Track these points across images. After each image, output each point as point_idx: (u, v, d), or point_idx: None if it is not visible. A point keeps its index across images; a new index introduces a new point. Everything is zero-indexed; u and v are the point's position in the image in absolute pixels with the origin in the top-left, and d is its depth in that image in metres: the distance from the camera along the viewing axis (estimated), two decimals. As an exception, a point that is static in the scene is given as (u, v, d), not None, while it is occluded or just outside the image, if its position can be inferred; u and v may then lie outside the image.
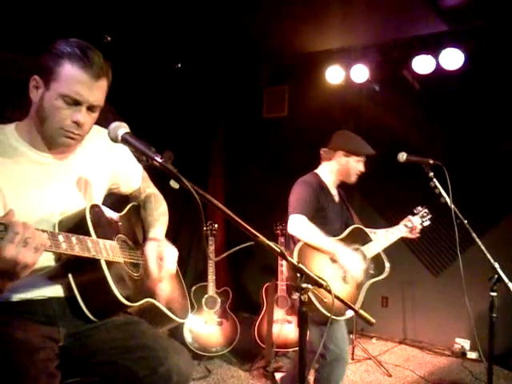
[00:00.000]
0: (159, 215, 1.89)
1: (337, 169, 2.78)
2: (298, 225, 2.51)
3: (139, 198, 1.94)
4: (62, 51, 1.44)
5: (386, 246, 2.78)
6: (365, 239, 2.75)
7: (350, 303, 1.54)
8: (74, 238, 1.41)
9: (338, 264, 2.51)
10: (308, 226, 2.50)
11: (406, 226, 2.84)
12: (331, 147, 2.79)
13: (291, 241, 2.63)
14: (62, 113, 1.46)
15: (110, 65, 1.52)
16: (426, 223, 2.89)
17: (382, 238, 2.77)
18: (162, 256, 1.69)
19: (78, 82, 1.44)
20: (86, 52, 1.45)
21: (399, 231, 2.82)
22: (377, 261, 2.72)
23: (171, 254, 1.73)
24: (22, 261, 1.20)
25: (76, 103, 1.46)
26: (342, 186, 2.92)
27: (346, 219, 2.85)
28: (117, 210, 1.80)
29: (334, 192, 2.83)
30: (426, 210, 2.91)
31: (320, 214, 2.62)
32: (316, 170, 2.83)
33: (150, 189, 1.97)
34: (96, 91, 1.49)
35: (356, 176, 2.79)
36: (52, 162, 1.57)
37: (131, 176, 1.87)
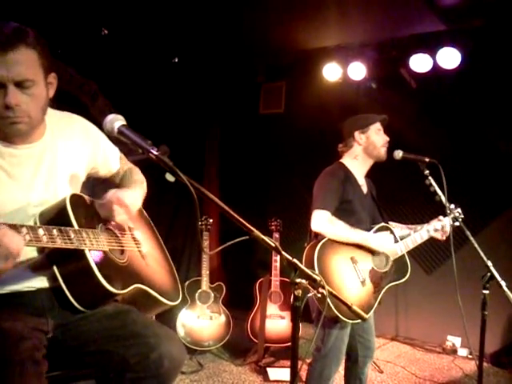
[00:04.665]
0: (134, 182, 1.82)
1: (361, 149, 2.65)
2: (321, 222, 2.42)
3: (118, 178, 1.89)
4: None
5: (412, 247, 2.64)
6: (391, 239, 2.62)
7: (343, 299, 1.55)
8: (55, 231, 1.37)
9: (358, 266, 2.46)
10: (332, 221, 2.42)
11: (435, 227, 2.66)
12: (347, 136, 2.69)
13: (312, 234, 2.54)
14: None
15: (28, 30, 1.39)
16: (457, 224, 2.61)
17: (410, 241, 2.61)
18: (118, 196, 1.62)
19: None
20: None
21: (428, 233, 2.66)
22: (399, 263, 2.60)
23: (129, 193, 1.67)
24: None
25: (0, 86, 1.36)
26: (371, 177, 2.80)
27: (372, 212, 2.72)
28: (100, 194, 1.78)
29: (362, 182, 2.70)
30: (458, 210, 2.65)
31: (345, 206, 2.52)
32: (342, 160, 2.70)
33: (127, 166, 1.91)
34: (12, 65, 1.34)
35: (384, 148, 2.65)
36: (22, 153, 1.52)
37: (109, 159, 1.82)
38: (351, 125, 2.70)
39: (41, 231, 1.33)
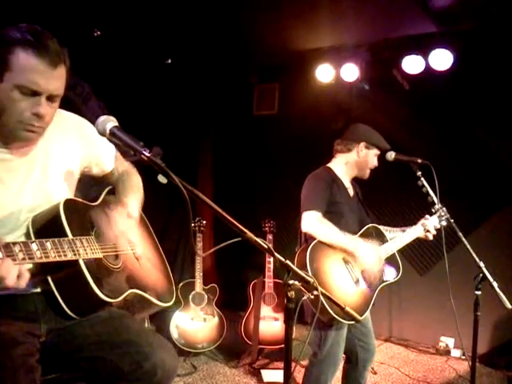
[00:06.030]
0: (130, 188, 1.79)
1: (355, 160, 2.66)
2: (312, 222, 2.42)
3: (113, 178, 1.85)
4: (13, 38, 1.33)
5: (402, 246, 2.66)
6: (380, 239, 2.64)
7: (336, 300, 1.55)
8: (48, 244, 1.34)
9: (350, 266, 2.46)
10: (323, 222, 2.42)
11: (423, 226, 2.70)
12: (352, 138, 2.67)
13: (303, 238, 2.55)
14: (19, 105, 1.36)
15: (66, 51, 1.44)
16: (444, 223, 2.69)
17: (398, 239, 2.65)
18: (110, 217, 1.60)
19: (34, 71, 1.34)
20: (40, 37, 1.35)
21: (415, 231, 2.70)
22: (391, 262, 2.63)
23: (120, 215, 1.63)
24: None
25: (34, 94, 1.36)
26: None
27: (360, 215, 2.74)
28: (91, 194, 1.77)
29: (348, 185, 2.71)
30: (443, 209, 2.71)
31: (333, 209, 2.52)
32: (328, 164, 2.72)
33: (124, 167, 1.87)
34: (54, 80, 1.39)
35: (369, 171, 2.70)
36: (13, 158, 1.48)
37: (103, 158, 1.78)
38: (363, 133, 2.69)
39: (34, 246, 1.30)
